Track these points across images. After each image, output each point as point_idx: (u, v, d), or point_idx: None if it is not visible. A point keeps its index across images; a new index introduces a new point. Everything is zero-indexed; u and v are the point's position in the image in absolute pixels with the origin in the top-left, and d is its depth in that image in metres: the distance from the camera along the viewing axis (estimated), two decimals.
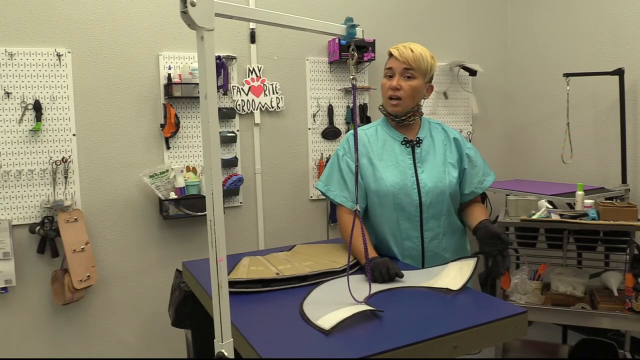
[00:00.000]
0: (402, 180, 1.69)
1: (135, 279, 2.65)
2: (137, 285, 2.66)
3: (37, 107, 2.37)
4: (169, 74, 2.58)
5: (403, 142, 1.74)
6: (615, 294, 2.31)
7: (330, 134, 3.07)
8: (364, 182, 1.74)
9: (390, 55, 1.73)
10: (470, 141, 3.55)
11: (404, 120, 1.73)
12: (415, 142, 1.75)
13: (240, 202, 2.87)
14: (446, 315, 1.23)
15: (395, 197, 1.68)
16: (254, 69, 2.85)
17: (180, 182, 2.59)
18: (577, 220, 2.26)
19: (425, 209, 1.69)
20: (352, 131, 1.81)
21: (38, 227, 2.36)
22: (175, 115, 2.65)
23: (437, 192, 1.69)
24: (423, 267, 1.72)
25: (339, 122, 3.11)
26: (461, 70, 3.44)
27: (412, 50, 1.68)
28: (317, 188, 1.82)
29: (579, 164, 3.20)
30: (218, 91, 2.75)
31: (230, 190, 2.78)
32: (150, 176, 2.56)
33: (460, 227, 1.82)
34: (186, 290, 1.71)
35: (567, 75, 2.90)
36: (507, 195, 2.77)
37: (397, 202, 1.69)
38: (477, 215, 1.73)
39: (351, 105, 3.12)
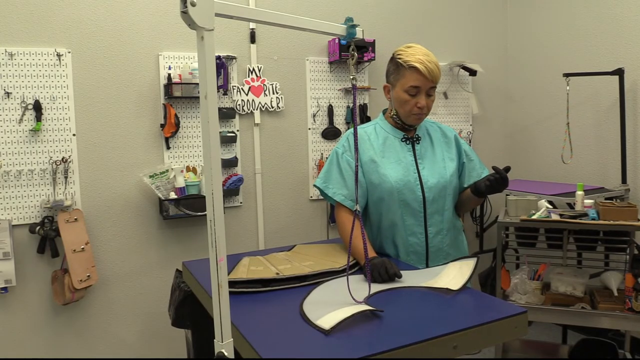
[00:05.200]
0: (405, 176, 1.70)
1: (135, 279, 2.65)
2: (137, 285, 2.66)
3: (37, 107, 2.37)
4: (169, 74, 2.58)
5: (403, 139, 1.76)
6: (615, 294, 2.31)
7: (330, 134, 3.07)
8: (366, 180, 1.74)
9: (411, 67, 1.62)
10: (470, 141, 3.56)
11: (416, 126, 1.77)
12: (415, 139, 1.76)
13: (240, 202, 2.87)
14: (446, 315, 1.23)
15: (399, 194, 1.69)
16: (254, 69, 2.85)
17: (180, 182, 2.59)
18: (577, 220, 2.26)
19: (428, 205, 1.71)
20: (351, 130, 1.81)
21: (38, 227, 2.36)
22: (175, 115, 2.65)
23: (439, 188, 1.72)
24: (427, 262, 1.73)
25: (339, 122, 3.11)
26: (461, 70, 3.44)
27: (436, 66, 1.64)
28: (315, 186, 1.81)
29: (579, 164, 3.20)
30: (218, 91, 2.75)
31: (230, 190, 2.78)
32: (150, 176, 2.56)
33: (459, 224, 1.85)
34: (186, 290, 1.71)
35: (567, 75, 2.90)
36: (507, 195, 2.77)
37: (401, 198, 1.70)
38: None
39: (351, 105, 3.12)
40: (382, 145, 1.76)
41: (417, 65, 1.61)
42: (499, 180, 1.59)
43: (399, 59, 1.67)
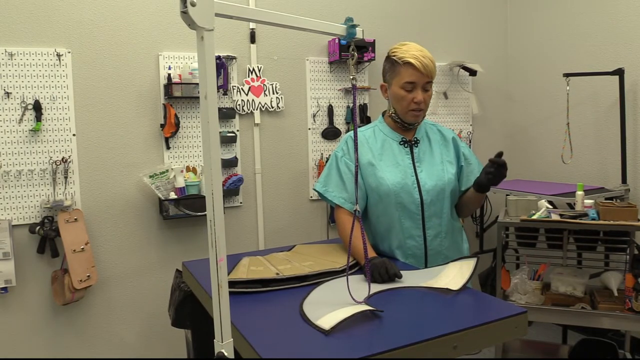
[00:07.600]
0: (402, 179, 1.70)
1: (135, 279, 2.65)
2: (137, 285, 2.66)
3: (37, 107, 2.37)
4: (169, 74, 2.58)
5: (401, 142, 1.76)
6: (615, 294, 2.31)
7: (330, 134, 3.07)
8: (364, 182, 1.74)
9: (406, 63, 1.63)
10: (470, 141, 3.56)
11: (415, 125, 1.75)
12: (413, 142, 1.76)
13: (240, 202, 2.87)
14: (446, 315, 1.23)
15: (397, 196, 1.69)
16: (254, 69, 2.85)
17: (180, 182, 2.59)
18: (577, 220, 2.26)
19: (426, 207, 1.70)
20: (350, 132, 1.81)
21: (38, 227, 2.36)
22: (175, 115, 2.65)
23: (437, 190, 1.71)
24: (426, 266, 1.72)
25: (339, 122, 3.11)
26: (461, 70, 3.44)
27: (431, 61, 1.64)
28: (315, 190, 1.82)
29: (579, 164, 3.20)
30: (218, 91, 2.75)
31: (230, 190, 2.78)
32: (150, 176, 2.56)
33: (459, 226, 1.84)
34: (186, 290, 1.71)
35: (567, 75, 2.90)
36: (507, 195, 2.77)
37: (398, 201, 1.69)
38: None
39: (351, 105, 3.12)
40: (380, 148, 1.75)
41: (412, 60, 1.62)
42: (498, 169, 1.58)
43: (394, 56, 1.67)
